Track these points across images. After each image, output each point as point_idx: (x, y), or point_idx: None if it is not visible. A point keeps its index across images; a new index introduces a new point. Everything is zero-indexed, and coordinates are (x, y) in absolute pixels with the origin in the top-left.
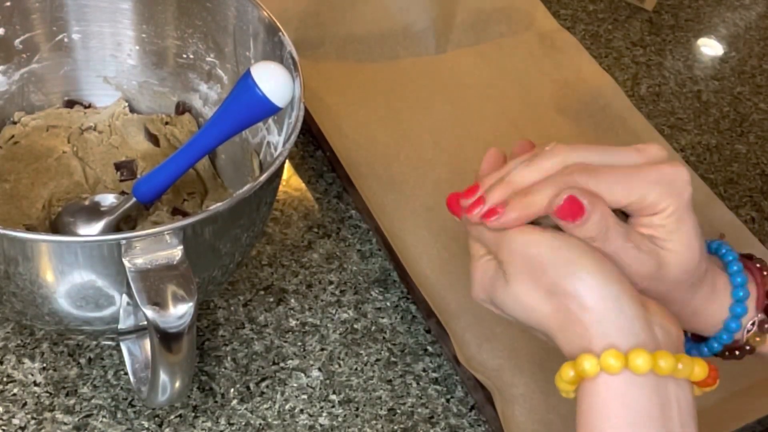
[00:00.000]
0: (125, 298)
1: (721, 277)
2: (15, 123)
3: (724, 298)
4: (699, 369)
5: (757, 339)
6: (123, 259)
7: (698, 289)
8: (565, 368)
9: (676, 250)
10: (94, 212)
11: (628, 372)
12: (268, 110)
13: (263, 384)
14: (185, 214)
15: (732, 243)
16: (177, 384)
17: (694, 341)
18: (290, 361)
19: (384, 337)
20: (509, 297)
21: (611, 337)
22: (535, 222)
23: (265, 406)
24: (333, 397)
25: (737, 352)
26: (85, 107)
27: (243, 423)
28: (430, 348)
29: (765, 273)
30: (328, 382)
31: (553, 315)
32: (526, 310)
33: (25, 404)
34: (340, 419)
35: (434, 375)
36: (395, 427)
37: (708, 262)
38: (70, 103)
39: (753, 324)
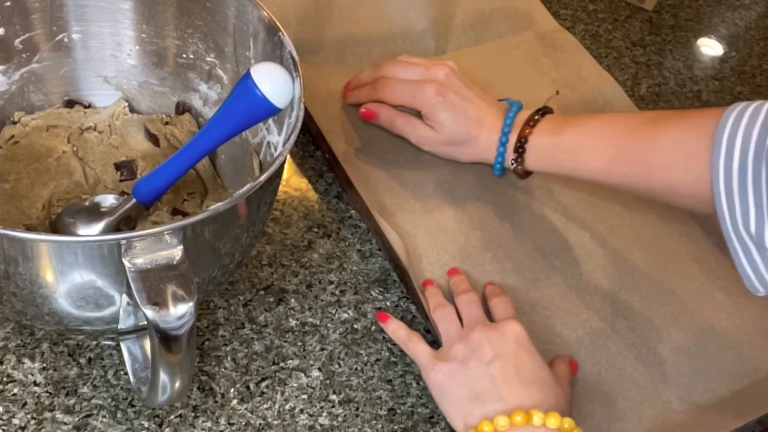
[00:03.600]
0: (125, 298)
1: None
2: (15, 123)
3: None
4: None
5: (519, 167)
6: (123, 259)
7: (471, 143)
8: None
9: (439, 124)
10: (94, 213)
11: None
12: (268, 111)
13: (263, 384)
14: (185, 214)
15: None
16: (177, 384)
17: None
18: (290, 361)
19: (384, 337)
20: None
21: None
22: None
23: (265, 406)
24: (333, 397)
25: (520, 174)
26: (85, 107)
27: (243, 423)
28: None
29: (529, 124)
30: (328, 382)
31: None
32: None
33: (25, 404)
34: (340, 419)
35: None
36: (395, 427)
37: (480, 127)
38: (70, 103)
39: (513, 161)
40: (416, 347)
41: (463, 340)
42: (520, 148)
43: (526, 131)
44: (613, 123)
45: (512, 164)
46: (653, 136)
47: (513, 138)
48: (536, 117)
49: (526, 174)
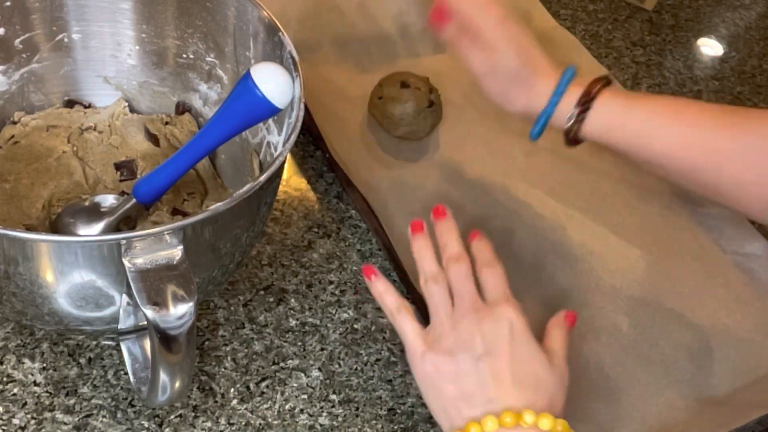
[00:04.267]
0: (125, 298)
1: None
2: (15, 123)
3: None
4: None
5: (577, 126)
6: (123, 259)
7: (528, 86)
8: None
9: (500, 54)
10: (94, 213)
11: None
12: (268, 111)
13: (263, 384)
14: (185, 214)
15: (734, 238)
16: (177, 384)
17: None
18: (290, 361)
19: (384, 337)
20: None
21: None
22: None
23: (265, 406)
24: (333, 397)
25: (571, 136)
26: (85, 107)
27: (243, 423)
28: None
29: (598, 84)
30: (328, 382)
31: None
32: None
33: (25, 404)
34: (340, 419)
35: None
36: (395, 427)
37: (537, 73)
38: (70, 103)
39: (572, 115)
40: (405, 324)
41: (453, 329)
42: (587, 103)
43: (596, 88)
44: (692, 107)
45: (569, 121)
46: (738, 126)
47: (575, 93)
48: (607, 79)
49: (576, 141)
